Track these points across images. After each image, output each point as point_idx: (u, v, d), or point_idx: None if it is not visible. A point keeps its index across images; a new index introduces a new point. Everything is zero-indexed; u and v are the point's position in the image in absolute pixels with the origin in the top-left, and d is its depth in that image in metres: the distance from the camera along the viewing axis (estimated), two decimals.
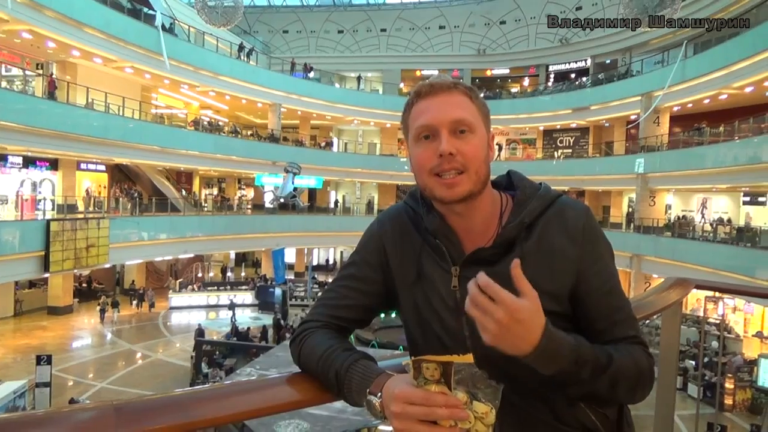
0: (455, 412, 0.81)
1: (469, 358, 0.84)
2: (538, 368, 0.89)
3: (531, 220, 1.04)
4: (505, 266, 0.97)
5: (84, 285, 25.22)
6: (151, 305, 23.78)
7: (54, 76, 18.84)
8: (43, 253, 16.45)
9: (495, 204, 1.09)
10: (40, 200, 19.39)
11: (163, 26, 21.09)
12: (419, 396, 0.82)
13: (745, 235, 18.01)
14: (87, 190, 23.14)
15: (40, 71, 20.30)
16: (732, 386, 14.12)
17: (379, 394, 0.89)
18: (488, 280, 0.81)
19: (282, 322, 19.97)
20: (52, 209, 19.33)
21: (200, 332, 17.79)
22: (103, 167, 24.56)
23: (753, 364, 15.00)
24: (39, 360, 13.05)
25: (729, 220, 21.72)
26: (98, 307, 21.74)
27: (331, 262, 37.60)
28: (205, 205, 28.25)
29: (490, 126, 1.09)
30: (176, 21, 23.24)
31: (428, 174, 1.02)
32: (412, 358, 0.85)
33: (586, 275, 1.03)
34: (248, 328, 19.33)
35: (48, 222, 16.75)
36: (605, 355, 0.96)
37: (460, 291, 1.02)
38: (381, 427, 9.01)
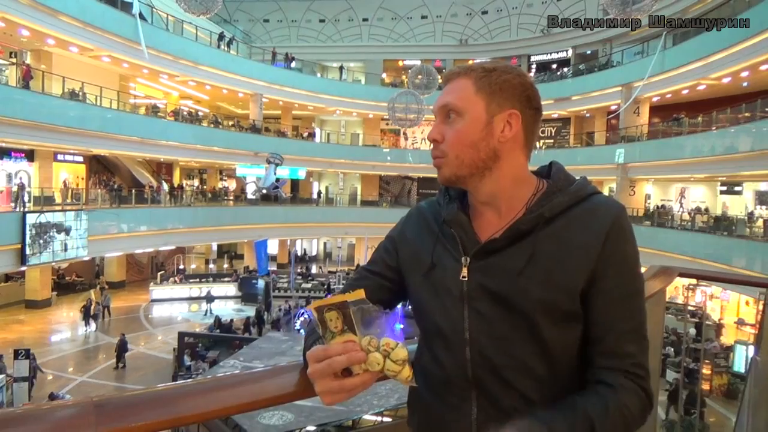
0: (351, 355, 0.83)
1: (360, 294, 0.86)
2: None
3: (552, 214, 0.98)
4: (509, 257, 0.98)
5: (64, 278, 24.79)
6: (97, 315, 19.85)
7: (29, 65, 18.38)
8: (19, 246, 16.15)
9: (525, 188, 1.05)
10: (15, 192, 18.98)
11: (140, 14, 20.67)
12: (320, 351, 0.86)
13: (721, 224, 18.37)
14: (65, 182, 22.71)
15: (14, 60, 19.79)
16: (709, 372, 14.43)
17: None
18: None
19: (265, 314, 19.88)
20: (29, 201, 18.95)
21: (122, 345, 15.85)
22: (80, 158, 24.10)
23: (729, 350, 15.36)
24: (17, 354, 12.84)
25: (706, 210, 22.09)
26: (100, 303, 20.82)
27: (308, 254, 37.61)
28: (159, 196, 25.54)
29: (509, 104, 1.04)
30: (154, 9, 22.81)
31: None
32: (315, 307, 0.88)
33: (603, 274, 0.95)
34: (231, 320, 19.22)
35: (24, 214, 16.44)
36: (586, 424, 0.87)
37: (468, 281, 1.00)
38: (366, 417, 9.03)
